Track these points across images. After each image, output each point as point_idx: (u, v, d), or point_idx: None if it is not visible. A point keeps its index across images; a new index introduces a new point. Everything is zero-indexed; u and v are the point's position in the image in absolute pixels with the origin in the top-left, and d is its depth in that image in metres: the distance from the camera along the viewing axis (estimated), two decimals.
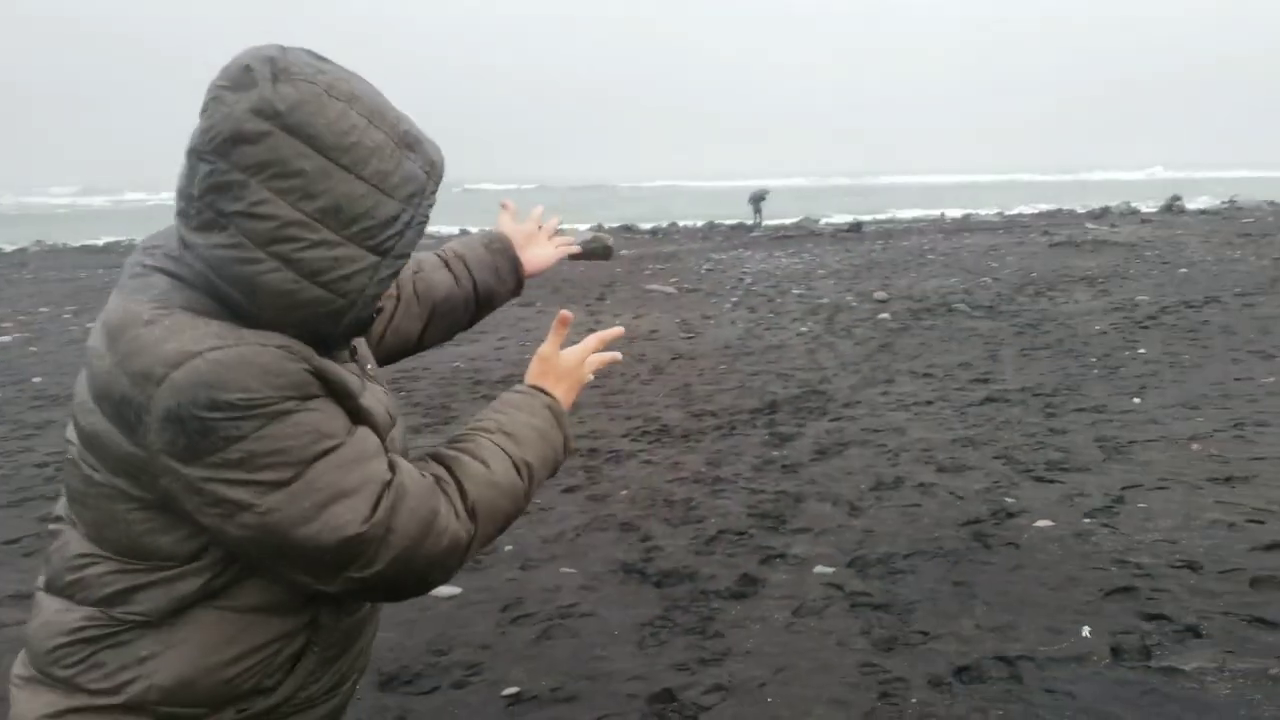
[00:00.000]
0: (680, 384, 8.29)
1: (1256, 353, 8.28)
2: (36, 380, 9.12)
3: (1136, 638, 3.45)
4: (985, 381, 7.90)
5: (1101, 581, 3.94)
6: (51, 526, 1.35)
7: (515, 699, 3.33)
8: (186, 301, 1.21)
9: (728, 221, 35.23)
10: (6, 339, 11.64)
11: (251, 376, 1.14)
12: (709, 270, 17.70)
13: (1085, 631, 3.53)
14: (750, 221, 31.61)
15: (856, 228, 28.29)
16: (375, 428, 1.30)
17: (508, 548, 4.62)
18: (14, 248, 29.84)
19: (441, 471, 1.34)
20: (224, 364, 1.14)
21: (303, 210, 1.16)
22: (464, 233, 29.47)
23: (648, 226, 35.47)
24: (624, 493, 5.44)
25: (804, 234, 27.39)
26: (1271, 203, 33.06)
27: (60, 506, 1.34)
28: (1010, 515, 4.76)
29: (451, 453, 1.38)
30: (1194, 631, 3.47)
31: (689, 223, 37.03)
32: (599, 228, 31.27)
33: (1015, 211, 39.07)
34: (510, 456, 1.39)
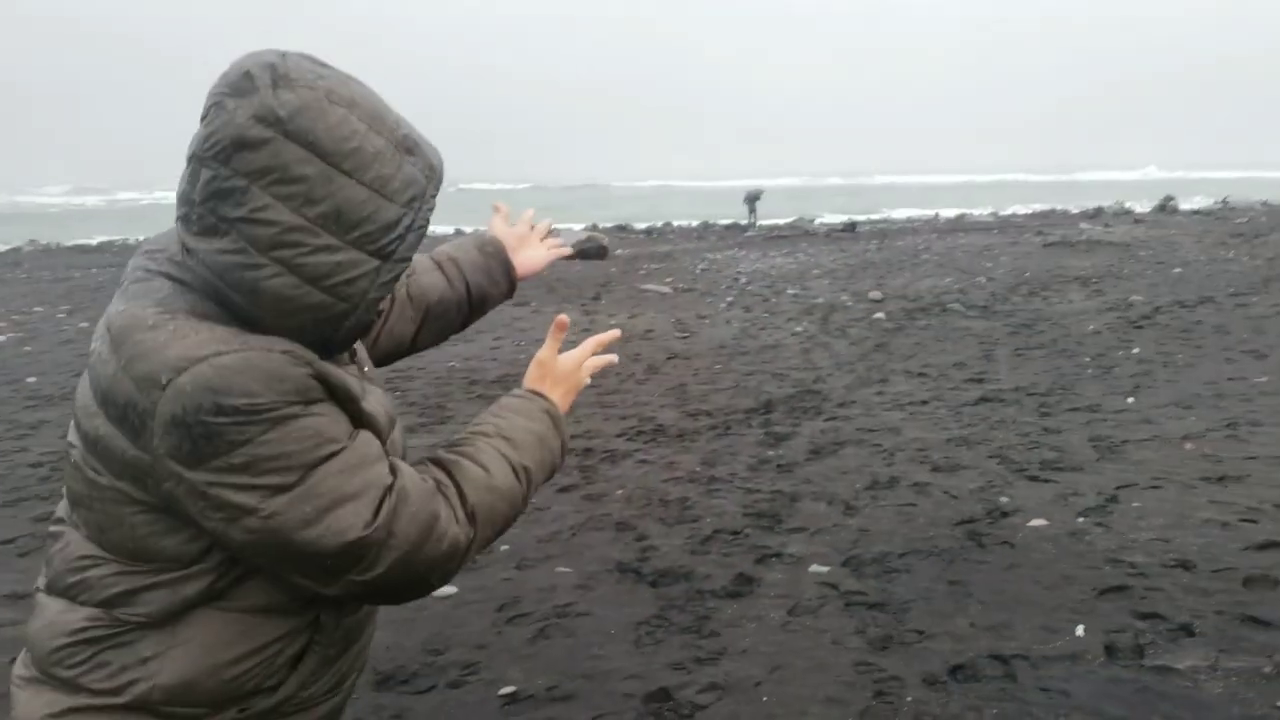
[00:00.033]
0: (675, 384, 8.30)
1: (1250, 352, 8.31)
2: (31, 380, 9.10)
3: (1130, 636, 3.47)
4: (980, 381, 7.93)
5: (1095, 580, 3.95)
6: (52, 528, 1.36)
7: (511, 698, 3.34)
8: (190, 306, 1.22)
9: (722, 221, 35.26)
10: (1, 339, 11.62)
11: (255, 381, 1.15)
12: (704, 270, 17.72)
13: (1079, 630, 3.55)
14: (745, 221, 31.64)
15: (851, 228, 28.31)
16: (377, 431, 1.31)
17: (503, 548, 4.63)
18: (7, 247, 29.77)
19: (441, 476, 1.35)
20: (228, 369, 1.14)
21: (305, 216, 1.17)
22: (458, 232, 29.47)
23: (642, 226, 35.48)
24: (619, 492, 5.45)
25: (799, 234, 27.42)
26: (1264, 203, 33.15)
27: (61, 508, 1.35)
28: (1005, 514, 4.77)
29: (451, 457, 1.39)
30: (1187, 630, 3.49)
31: (684, 222, 37.05)
32: (594, 228, 31.28)
33: (1009, 211, 39.15)
34: (509, 461, 1.41)
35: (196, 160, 1.18)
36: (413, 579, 1.29)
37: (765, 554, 4.46)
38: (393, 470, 1.27)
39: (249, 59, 1.19)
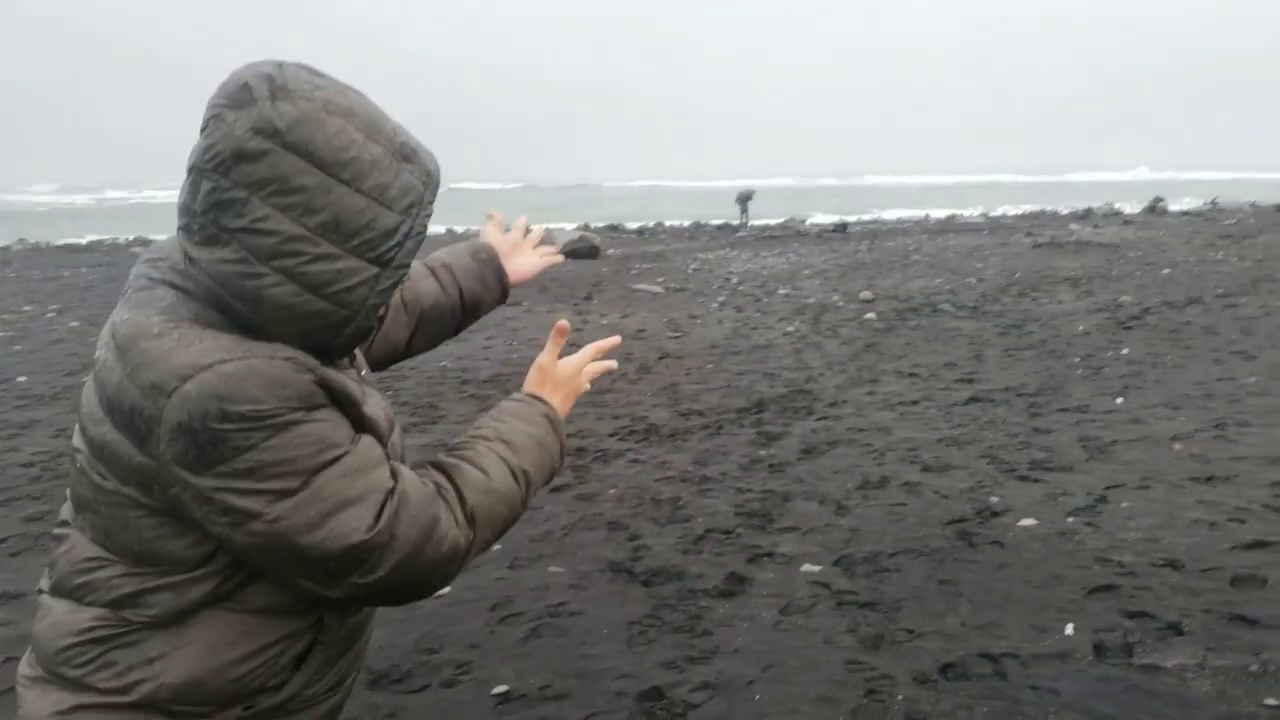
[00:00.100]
0: (667, 383, 8.31)
1: (1238, 353, 8.36)
2: (21, 380, 9.07)
3: (1119, 635, 3.50)
4: (970, 381, 7.96)
5: (1084, 580, 3.98)
6: (56, 531, 1.38)
7: (504, 697, 3.35)
8: (193, 314, 1.24)
9: (714, 221, 35.28)
10: None
11: (260, 388, 1.17)
12: (696, 270, 17.73)
13: (1068, 629, 3.58)
14: (737, 221, 31.67)
15: (842, 228, 28.36)
16: (377, 435, 1.33)
17: (496, 547, 4.62)
18: None
19: (441, 479, 1.37)
20: (233, 376, 1.16)
21: (304, 225, 1.18)
22: (449, 231, 29.43)
23: (634, 226, 35.48)
24: (612, 492, 5.47)
25: (790, 234, 27.46)
26: (1253, 204, 33.31)
27: (65, 511, 1.36)
28: (995, 514, 4.80)
29: (451, 460, 1.41)
30: (1175, 629, 3.52)
31: (675, 222, 37.05)
32: (585, 227, 31.27)
33: (999, 212, 39.25)
34: (508, 464, 1.43)
35: (197, 172, 1.20)
36: (414, 581, 1.31)
37: (757, 553, 4.48)
38: (394, 474, 1.29)
39: (247, 70, 1.20)
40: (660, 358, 9.42)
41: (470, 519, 1.35)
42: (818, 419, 6.92)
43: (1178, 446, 5.75)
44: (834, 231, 27.74)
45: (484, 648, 3.71)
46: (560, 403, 1.57)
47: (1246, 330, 9.36)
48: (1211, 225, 22.57)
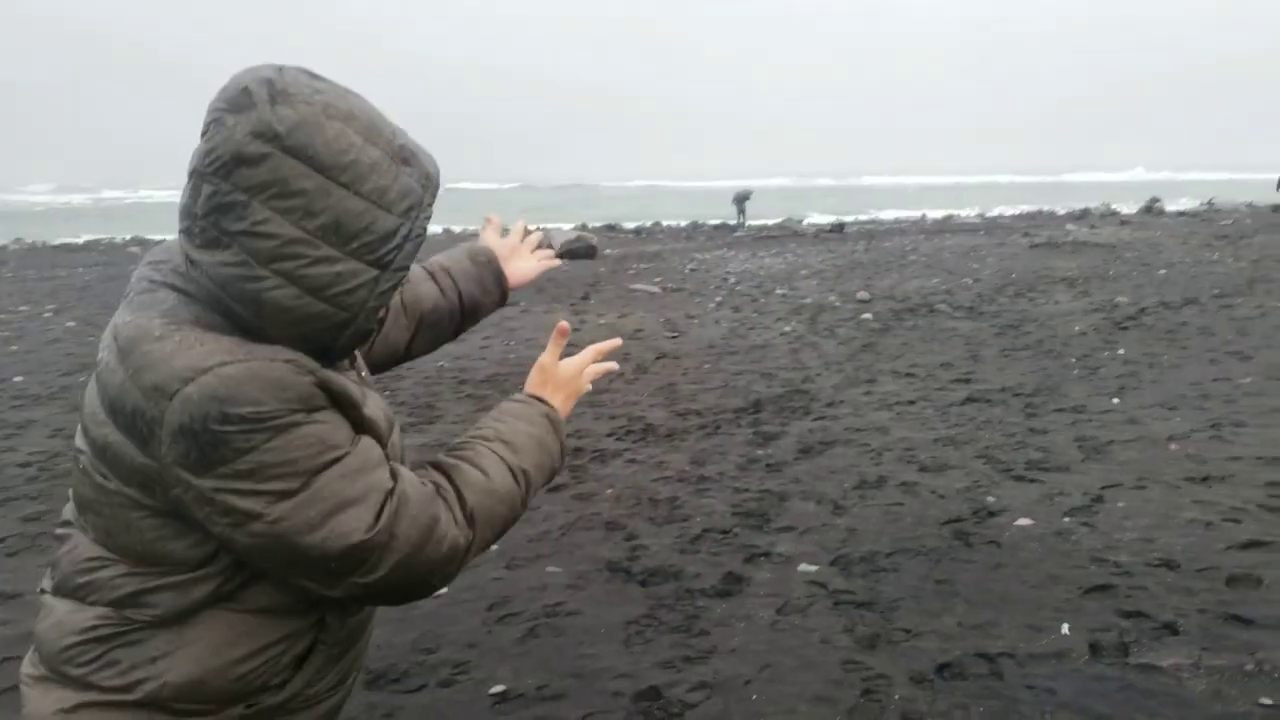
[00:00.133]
0: (665, 383, 8.32)
1: (1234, 354, 8.38)
2: (18, 380, 9.06)
3: (1115, 635, 3.51)
4: (966, 381, 7.97)
5: (1080, 579, 3.99)
6: (59, 531, 1.39)
7: (502, 697, 3.35)
8: (195, 317, 1.25)
9: (712, 222, 35.32)
10: None
11: (260, 390, 1.18)
12: (693, 270, 17.75)
13: (1064, 629, 3.59)
14: (734, 222, 31.70)
15: (839, 228, 28.41)
16: (377, 436, 1.34)
17: (494, 547, 4.62)
18: None
19: (441, 479, 1.38)
20: (234, 379, 1.17)
21: (304, 228, 1.19)
22: (446, 232, 29.43)
23: (631, 226, 35.52)
24: (609, 492, 5.47)
25: (787, 234, 27.49)
26: (1249, 205, 33.37)
27: (68, 511, 1.37)
28: (991, 514, 4.81)
29: (451, 461, 1.42)
30: (1171, 629, 3.53)
31: (673, 222, 37.10)
32: (583, 227, 31.29)
33: (996, 213, 39.31)
34: (507, 464, 1.43)
35: (198, 175, 1.21)
36: (414, 581, 1.32)
37: (754, 553, 4.48)
38: (393, 475, 1.30)
39: (247, 74, 1.21)
40: (657, 358, 9.42)
41: (470, 519, 1.36)
42: (815, 419, 6.92)
43: (1174, 447, 5.76)
44: (831, 232, 27.79)
45: (481, 647, 3.72)
46: (561, 403, 1.58)
47: (1242, 331, 9.39)
48: (1208, 226, 22.62)
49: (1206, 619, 3.59)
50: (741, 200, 31.31)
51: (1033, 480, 5.31)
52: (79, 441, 1.32)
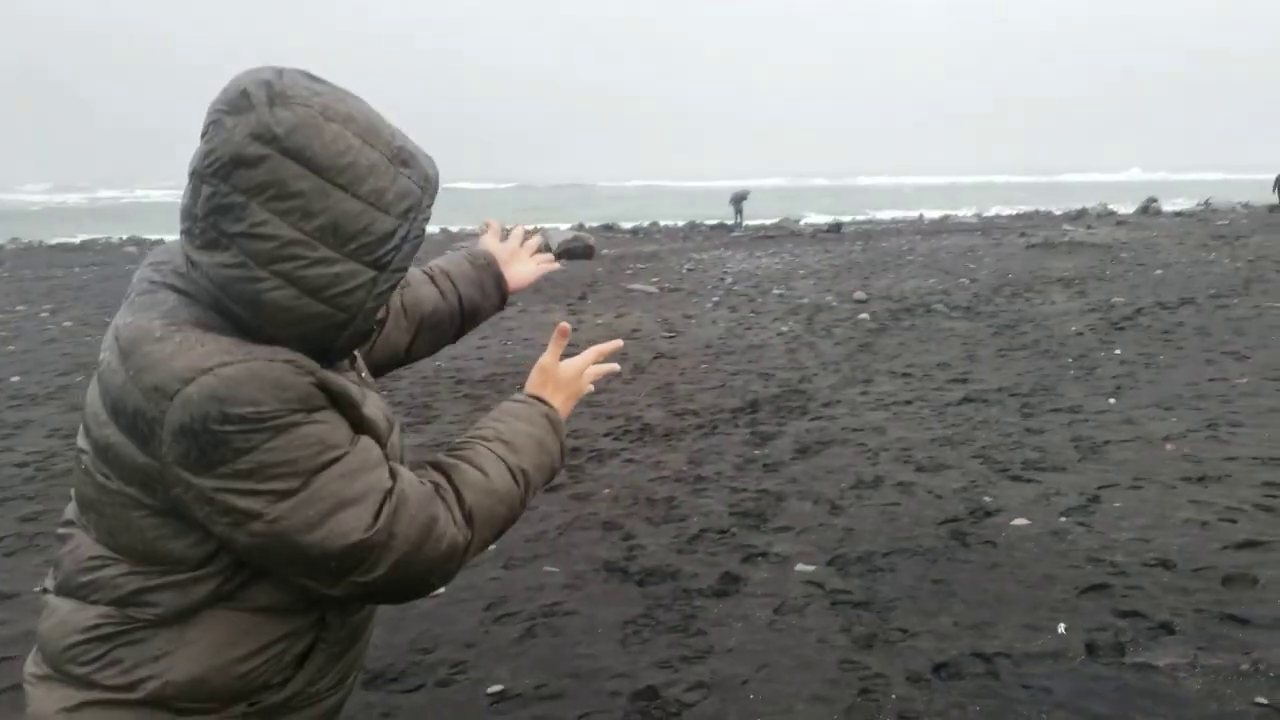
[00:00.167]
0: (662, 383, 8.33)
1: (1230, 354, 8.40)
2: (14, 379, 9.06)
3: (1111, 634, 3.52)
4: (963, 382, 7.98)
5: (1077, 579, 4.00)
6: (61, 530, 1.39)
7: (499, 697, 3.36)
8: (195, 318, 1.26)
9: (709, 222, 35.35)
10: None
11: (260, 391, 1.18)
12: (690, 270, 17.76)
13: (1061, 628, 3.59)
14: (731, 222, 31.72)
15: (836, 228, 28.44)
16: (377, 436, 1.35)
17: (491, 547, 4.62)
18: None
19: (440, 479, 1.38)
20: (234, 379, 1.18)
21: (302, 229, 1.20)
22: (444, 231, 29.42)
23: (629, 226, 35.53)
24: (606, 491, 5.48)
25: (784, 234, 27.52)
26: (1246, 205, 33.44)
27: (70, 511, 1.38)
28: (988, 514, 4.82)
29: (450, 460, 1.42)
30: (1167, 628, 3.54)
31: (670, 223, 37.11)
32: (580, 227, 31.30)
33: (993, 213, 39.37)
34: (506, 464, 1.44)
35: (197, 177, 1.22)
36: (413, 579, 1.32)
37: (751, 553, 4.49)
38: (392, 474, 1.31)
39: (246, 76, 1.22)
40: (655, 358, 9.43)
41: (468, 518, 1.37)
42: (812, 419, 6.93)
43: (1170, 447, 5.77)
44: (828, 232, 27.82)
45: (479, 647, 3.72)
46: (562, 404, 1.59)
47: (1238, 331, 9.41)
48: (1204, 226, 22.66)
49: (1202, 618, 3.60)
50: (739, 200, 31.34)
51: (1029, 480, 5.32)
52: (81, 442, 1.32)
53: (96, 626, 1.29)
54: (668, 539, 4.72)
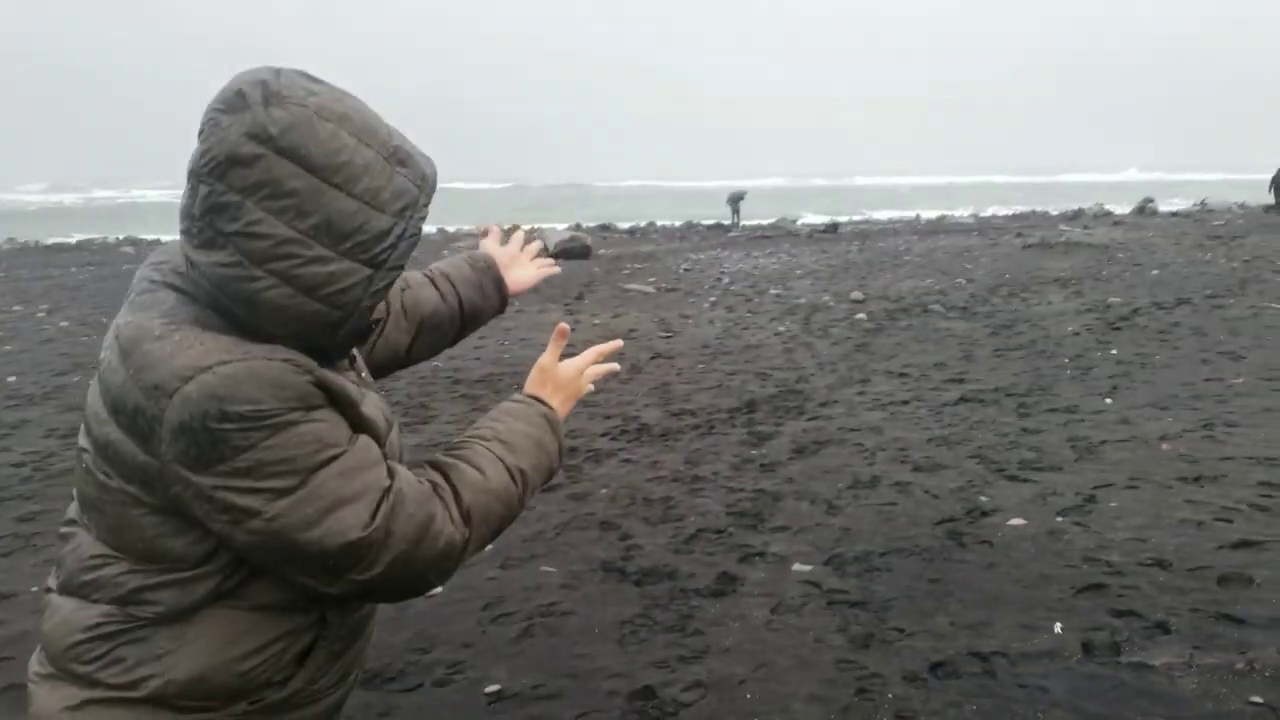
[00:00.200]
0: (659, 383, 8.33)
1: (1226, 354, 8.41)
2: (11, 379, 9.05)
3: (1107, 634, 3.53)
4: (960, 382, 7.99)
5: (1073, 579, 4.01)
6: (63, 530, 1.40)
7: (497, 696, 3.36)
8: (194, 316, 1.26)
9: (706, 222, 35.36)
10: None
11: (259, 389, 1.19)
12: (687, 270, 17.77)
13: (1057, 628, 3.60)
14: (728, 222, 31.75)
15: (833, 229, 28.46)
16: (375, 434, 1.35)
17: (489, 547, 4.64)
18: None
19: (438, 478, 1.39)
20: (233, 378, 1.18)
21: (297, 228, 1.21)
22: (440, 231, 29.42)
23: (626, 226, 35.53)
24: (603, 491, 5.48)
25: (781, 234, 27.53)
26: (1242, 205, 33.50)
27: (72, 510, 1.38)
28: (984, 514, 4.83)
29: (448, 460, 1.43)
30: (1163, 628, 3.55)
31: (667, 222, 37.12)
32: (577, 227, 31.31)
33: (989, 213, 39.41)
34: (504, 463, 1.44)
35: (194, 176, 1.22)
36: (411, 578, 1.33)
37: (748, 553, 4.50)
38: (390, 473, 1.31)
39: (243, 77, 1.23)
40: (652, 358, 9.44)
41: (466, 517, 1.37)
42: (809, 419, 6.94)
43: (1166, 447, 5.78)
44: (825, 232, 27.84)
45: (476, 647, 3.72)
46: (561, 404, 1.59)
47: (1234, 331, 9.42)
48: (1200, 226, 22.70)
49: (1198, 618, 3.61)
50: (736, 200, 31.38)
51: (1026, 480, 5.33)
52: (82, 441, 1.33)
53: (98, 625, 1.29)
54: (665, 539, 4.73)
